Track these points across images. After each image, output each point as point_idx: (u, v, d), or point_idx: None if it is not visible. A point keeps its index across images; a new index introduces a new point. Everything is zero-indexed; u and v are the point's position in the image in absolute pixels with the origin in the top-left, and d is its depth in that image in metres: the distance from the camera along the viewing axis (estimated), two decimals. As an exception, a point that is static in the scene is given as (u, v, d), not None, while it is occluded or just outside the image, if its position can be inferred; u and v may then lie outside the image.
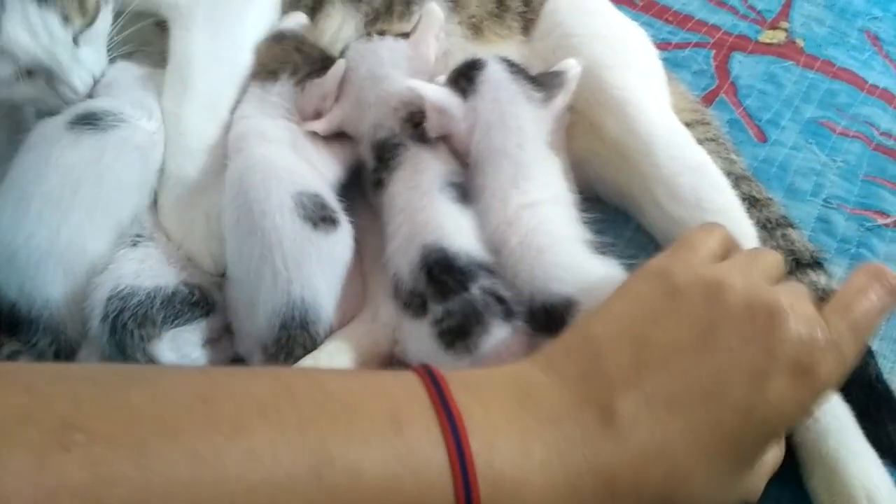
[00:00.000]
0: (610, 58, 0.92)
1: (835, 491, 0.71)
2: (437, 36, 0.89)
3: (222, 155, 0.84)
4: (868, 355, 0.79)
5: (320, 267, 0.77)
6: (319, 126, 0.86)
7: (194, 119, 0.84)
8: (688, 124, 0.96)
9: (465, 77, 0.84)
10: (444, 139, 0.84)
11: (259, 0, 0.91)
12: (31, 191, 0.78)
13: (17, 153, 0.81)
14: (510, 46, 0.99)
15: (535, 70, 0.90)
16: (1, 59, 0.78)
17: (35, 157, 0.80)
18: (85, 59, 0.83)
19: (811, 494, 0.73)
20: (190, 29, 0.86)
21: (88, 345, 0.78)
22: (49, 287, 0.77)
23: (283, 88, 0.86)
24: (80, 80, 0.83)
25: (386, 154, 0.83)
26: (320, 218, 0.78)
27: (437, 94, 0.82)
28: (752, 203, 0.92)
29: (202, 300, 0.78)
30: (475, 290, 0.74)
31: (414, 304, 0.77)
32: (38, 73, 0.81)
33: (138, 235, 0.81)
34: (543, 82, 0.85)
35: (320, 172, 0.84)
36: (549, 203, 0.81)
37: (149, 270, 0.78)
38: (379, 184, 0.83)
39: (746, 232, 0.85)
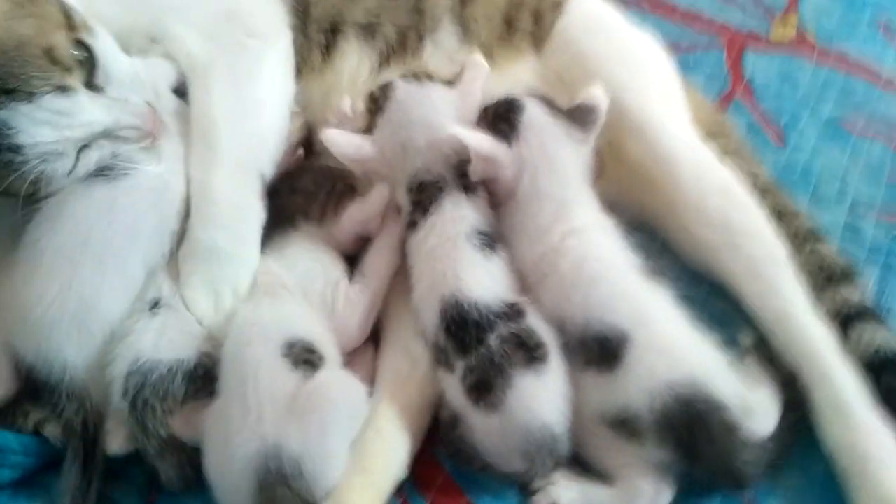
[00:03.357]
0: (628, 79, 0.93)
1: None
2: (482, 87, 0.90)
3: (255, 224, 0.84)
4: None
5: (305, 414, 0.74)
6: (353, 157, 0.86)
7: (224, 186, 0.84)
8: (708, 137, 0.96)
9: (505, 121, 0.85)
10: (484, 183, 0.85)
11: (273, 50, 0.91)
12: (42, 245, 0.79)
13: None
14: (522, 67, 1.00)
15: (553, 90, 0.91)
16: (57, 159, 0.77)
17: (48, 212, 0.80)
18: (120, 95, 0.81)
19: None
20: (210, 88, 0.86)
21: (114, 416, 0.78)
22: (65, 349, 0.78)
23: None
24: (134, 115, 0.81)
25: (424, 198, 0.84)
26: (304, 361, 0.77)
27: (484, 143, 0.83)
28: (780, 216, 0.92)
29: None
30: (493, 342, 0.76)
31: (441, 359, 0.79)
32: (95, 140, 0.80)
33: (156, 302, 0.80)
34: (578, 118, 0.86)
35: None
36: (594, 228, 0.83)
37: (168, 342, 0.78)
38: (412, 225, 0.85)
39: (776, 252, 0.86)
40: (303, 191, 0.89)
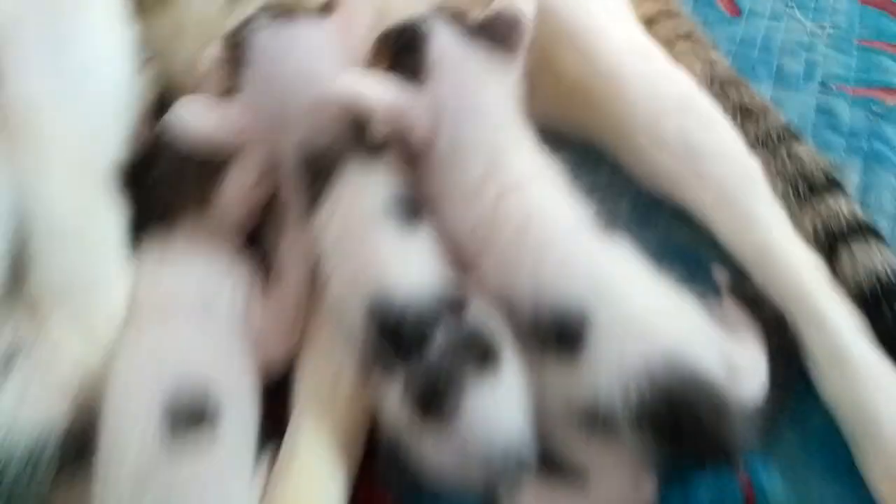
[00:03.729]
0: (552, -31, 0.73)
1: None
2: (367, 9, 0.72)
3: (115, 230, 0.67)
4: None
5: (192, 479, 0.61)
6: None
7: (64, 194, 0.66)
8: (652, 20, 0.82)
9: (408, 56, 0.68)
10: (393, 138, 0.68)
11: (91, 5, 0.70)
12: None
13: None
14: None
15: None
16: None
17: None
18: None
19: (871, 483, 0.66)
20: (22, 61, 0.66)
21: None
22: None
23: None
24: None
25: (320, 171, 0.67)
26: (192, 420, 0.62)
27: (384, 94, 0.66)
28: (746, 114, 0.80)
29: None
30: (436, 345, 0.62)
31: (374, 367, 0.65)
32: None
33: (10, 355, 0.64)
34: (498, 36, 0.69)
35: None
36: (535, 180, 0.68)
37: (34, 403, 0.62)
38: (310, 206, 0.68)
39: (749, 174, 0.73)
40: (165, 178, 0.71)
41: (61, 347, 0.64)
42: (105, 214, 0.68)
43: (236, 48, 0.70)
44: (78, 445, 0.62)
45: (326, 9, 0.71)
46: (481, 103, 0.67)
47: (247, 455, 0.64)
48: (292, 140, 0.68)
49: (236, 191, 0.70)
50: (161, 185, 0.70)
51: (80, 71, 0.69)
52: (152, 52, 0.75)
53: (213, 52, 0.73)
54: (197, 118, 0.68)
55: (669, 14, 0.84)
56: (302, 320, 0.71)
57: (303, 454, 0.65)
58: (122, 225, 0.68)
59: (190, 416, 0.61)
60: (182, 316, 0.67)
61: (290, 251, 0.71)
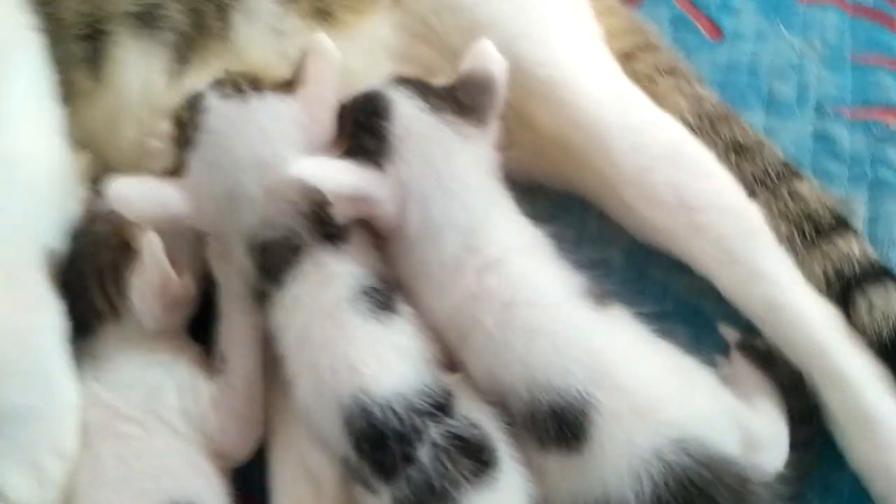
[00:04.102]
0: (518, 21, 0.70)
1: None
2: (333, 85, 0.65)
3: (53, 345, 0.61)
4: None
5: None
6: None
7: None
8: (630, 56, 0.77)
9: (368, 132, 0.62)
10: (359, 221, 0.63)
11: (16, 67, 0.65)
12: None
13: None
14: (376, 20, 0.75)
15: (423, 46, 0.71)
16: None
17: None
18: None
19: None
20: None
21: None
22: None
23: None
24: None
25: (275, 263, 0.62)
26: None
27: (345, 179, 0.61)
28: (741, 153, 0.74)
29: None
30: (425, 457, 0.57)
31: (358, 479, 0.59)
32: None
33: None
34: (468, 101, 0.64)
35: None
36: (516, 255, 0.63)
37: None
38: (263, 298, 0.63)
39: (749, 222, 0.68)
40: (75, 288, 0.65)
41: (8, 492, 0.59)
42: (38, 326, 0.62)
43: (183, 126, 0.64)
44: None
45: (290, 84, 0.65)
46: (452, 178, 0.62)
47: None
48: (240, 228, 0.62)
49: (145, 300, 0.64)
50: (77, 287, 0.65)
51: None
52: (91, 139, 0.70)
53: (161, 130, 0.68)
54: (130, 196, 0.61)
55: (648, 47, 0.79)
56: (258, 415, 0.65)
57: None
58: (62, 331, 0.63)
59: None
60: (135, 431, 0.62)
61: (233, 344, 0.66)
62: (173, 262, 0.63)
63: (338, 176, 0.60)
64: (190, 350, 0.67)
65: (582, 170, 0.70)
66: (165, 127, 0.67)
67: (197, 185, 0.63)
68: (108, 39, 0.69)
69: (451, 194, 0.62)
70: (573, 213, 0.76)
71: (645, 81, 0.75)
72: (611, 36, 0.77)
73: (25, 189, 0.64)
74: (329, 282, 0.60)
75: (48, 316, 0.62)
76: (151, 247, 0.62)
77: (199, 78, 0.69)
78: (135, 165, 0.69)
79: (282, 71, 0.69)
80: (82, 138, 0.69)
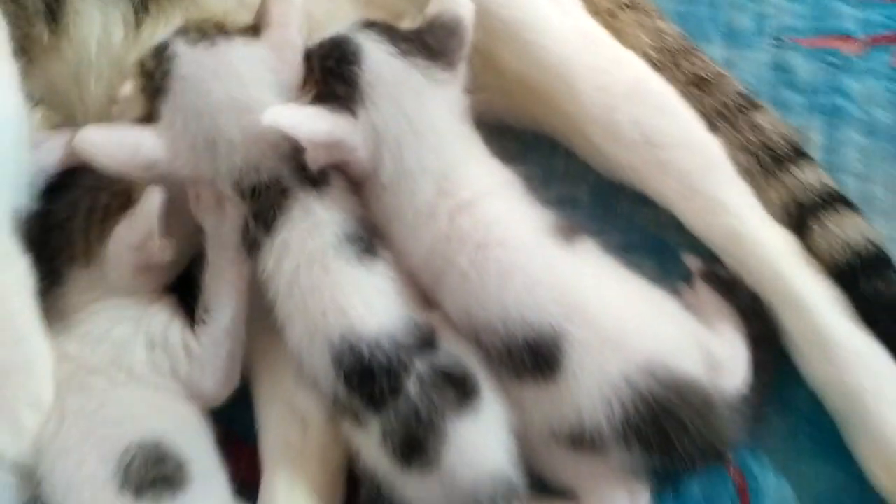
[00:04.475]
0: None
1: (887, 461, 0.64)
2: (298, 27, 0.66)
3: (22, 301, 0.62)
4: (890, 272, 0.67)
5: None
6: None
7: None
8: None
9: (339, 78, 0.63)
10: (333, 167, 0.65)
11: None
12: None
13: None
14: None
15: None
16: None
17: None
18: None
19: (862, 466, 0.65)
20: None
21: None
22: None
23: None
24: None
25: (264, 207, 0.63)
26: (157, 477, 0.60)
27: (317, 126, 0.62)
28: (701, 86, 0.76)
29: None
30: (412, 388, 0.60)
31: (346, 414, 0.63)
32: None
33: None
34: (436, 45, 0.65)
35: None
36: (488, 197, 0.65)
37: None
38: (254, 244, 0.65)
39: (710, 157, 0.71)
40: (59, 223, 0.66)
41: None
42: (13, 284, 0.63)
43: (150, 75, 0.65)
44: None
45: (254, 28, 0.66)
46: (423, 123, 0.64)
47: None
48: (221, 172, 0.64)
49: (121, 249, 0.65)
50: (54, 230, 0.66)
51: None
52: (52, 92, 0.70)
53: (128, 86, 0.68)
54: (99, 145, 0.62)
55: (610, -19, 0.80)
56: (237, 366, 0.67)
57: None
58: (31, 287, 0.64)
59: (151, 477, 0.59)
60: (101, 382, 0.64)
61: (217, 296, 0.67)
62: (166, 226, 0.63)
63: (310, 122, 0.61)
64: (163, 300, 0.68)
65: (548, 110, 0.72)
66: (126, 87, 0.67)
67: (171, 131, 0.63)
68: None
69: (422, 139, 0.64)
70: (540, 152, 0.78)
71: (606, 16, 0.76)
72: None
73: None
74: (316, 228, 0.63)
75: (17, 274, 0.63)
76: (150, 201, 0.63)
77: (157, 28, 0.70)
78: (99, 118, 0.69)
79: (242, 18, 0.69)
80: (45, 93, 0.69)
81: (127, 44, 0.70)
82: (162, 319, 0.66)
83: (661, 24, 0.79)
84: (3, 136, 0.65)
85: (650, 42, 0.76)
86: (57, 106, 0.70)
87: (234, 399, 0.67)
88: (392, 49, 0.64)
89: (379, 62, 0.64)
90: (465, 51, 0.65)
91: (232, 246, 0.66)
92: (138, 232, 0.63)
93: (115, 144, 0.63)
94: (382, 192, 0.65)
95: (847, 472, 0.66)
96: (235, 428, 0.69)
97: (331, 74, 0.64)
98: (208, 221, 0.66)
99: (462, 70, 0.66)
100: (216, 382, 0.66)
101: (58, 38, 0.70)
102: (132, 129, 0.64)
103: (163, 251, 0.64)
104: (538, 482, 0.64)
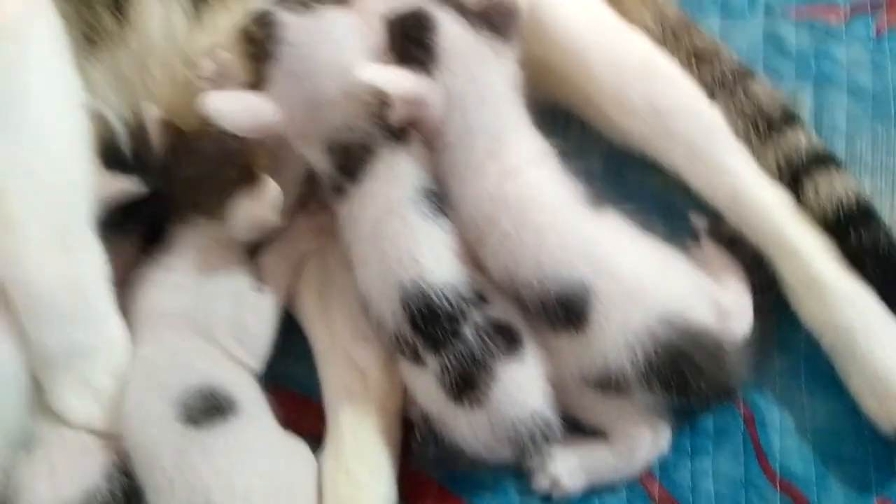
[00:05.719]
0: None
1: (877, 391, 0.73)
2: None
3: (100, 286, 0.71)
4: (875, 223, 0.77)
5: (224, 459, 0.68)
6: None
7: (43, 268, 0.69)
8: None
9: (418, 45, 0.72)
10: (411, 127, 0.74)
11: (32, 44, 0.71)
12: None
13: None
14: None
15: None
16: None
17: None
18: None
19: (856, 397, 0.75)
20: None
21: None
22: None
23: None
24: None
25: (351, 162, 0.72)
26: (214, 410, 0.69)
27: (405, 83, 0.71)
28: (700, 58, 0.85)
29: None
30: (469, 334, 0.70)
31: (405, 352, 0.72)
32: None
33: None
34: (495, 24, 0.74)
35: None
36: (530, 165, 0.74)
37: (61, 476, 0.68)
38: (339, 191, 0.74)
39: (711, 124, 0.80)
40: (186, 179, 0.75)
41: (72, 415, 0.70)
42: (85, 274, 0.72)
43: (262, 40, 0.73)
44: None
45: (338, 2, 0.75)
46: (486, 87, 0.73)
47: (271, 436, 0.72)
48: (324, 130, 0.72)
49: (246, 220, 0.75)
50: (179, 184, 0.76)
51: (33, 133, 0.70)
52: (121, 80, 0.77)
53: (218, 56, 0.76)
54: (226, 108, 0.71)
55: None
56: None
57: (347, 460, 0.72)
58: (105, 270, 0.73)
59: (206, 410, 0.69)
60: (171, 334, 0.74)
61: (272, 274, 0.78)
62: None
63: (399, 80, 0.70)
64: (247, 263, 0.78)
65: (564, 86, 0.81)
66: (223, 55, 0.75)
67: (283, 95, 0.72)
68: None
69: (484, 102, 0.73)
70: (556, 125, 0.85)
71: (612, -3, 0.85)
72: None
73: (55, 156, 0.72)
74: (397, 181, 0.72)
75: (96, 264, 0.72)
76: (275, 192, 0.73)
77: (216, 17, 0.78)
78: (162, 102, 0.77)
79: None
80: (110, 78, 0.77)
81: (189, 31, 0.78)
82: (245, 279, 0.76)
83: (661, 1, 0.87)
84: (69, 151, 0.72)
85: (652, 18, 0.84)
86: (121, 90, 0.77)
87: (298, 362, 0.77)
88: (463, 21, 0.73)
89: (453, 32, 0.73)
90: (519, 30, 0.74)
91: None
92: (265, 207, 0.73)
93: (238, 108, 0.71)
94: (445, 149, 0.74)
95: (842, 403, 0.75)
96: (299, 388, 0.78)
97: (411, 41, 0.73)
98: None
99: (516, 46, 0.75)
100: (268, 336, 0.77)
101: (122, 28, 0.77)
102: (249, 94, 0.72)
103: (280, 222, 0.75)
104: (572, 423, 0.74)
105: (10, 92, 0.69)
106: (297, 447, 0.73)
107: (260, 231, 0.77)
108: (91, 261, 0.72)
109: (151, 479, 0.68)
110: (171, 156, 0.76)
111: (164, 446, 0.68)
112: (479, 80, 0.73)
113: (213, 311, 0.75)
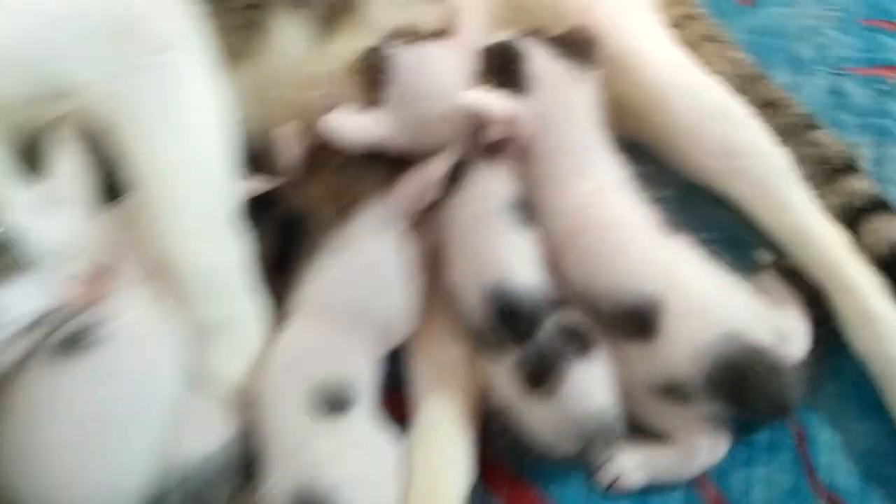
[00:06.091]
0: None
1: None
2: (477, 32, 0.87)
3: (248, 267, 0.82)
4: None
5: (334, 445, 0.77)
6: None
7: (202, 251, 0.80)
8: (677, 25, 0.96)
9: (509, 73, 0.84)
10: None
11: (191, 56, 0.82)
12: (48, 438, 0.72)
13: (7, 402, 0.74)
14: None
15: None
16: None
17: (36, 400, 0.73)
18: (49, 272, 0.74)
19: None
20: (138, 138, 0.78)
21: None
22: None
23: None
24: (65, 291, 0.75)
25: (452, 172, 0.83)
26: (337, 402, 0.78)
27: (501, 106, 0.82)
28: (770, 107, 0.94)
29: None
30: (546, 333, 0.79)
31: (487, 346, 0.82)
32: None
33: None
34: (579, 54, 0.85)
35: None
36: (613, 188, 0.84)
37: (200, 432, 0.77)
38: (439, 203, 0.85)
39: (779, 164, 0.89)
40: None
41: (226, 376, 0.80)
42: (238, 255, 0.82)
43: (376, 69, 0.84)
44: (243, 454, 0.78)
45: (441, 33, 0.86)
46: (572, 110, 0.84)
47: (374, 427, 0.81)
48: (427, 147, 0.83)
49: (413, 188, 0.84)
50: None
51: (190, 132, 0.81)
52: (248, 96, 0.86)
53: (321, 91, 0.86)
54: (346, 126, 0.82)
55: (692, 17, 0.98)
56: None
57: (437, 438, 0.81)
58: (250, 254, 0.83)
59: (330, 402, 0.78)
60: (310, 322, 0.82)
61: None
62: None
63: (496, 103, 0.81)
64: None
65: (643, 122, 0.90)
66: (323, 88, 0.85)
67: (394, 115, 0.83)
68: (265, 12, 0.87)
69: (571, 122, 0.84)
70: (634, 157, 0.92)
71: (692, 47, 0.94)
72: (660, 8, 0.97)
73: (211, 151, 0.82)
74: (490, 191, 0.82)
75: (242, 251, 0.82)
76: (437, 166, 0.83)
77: (337, 45, 0.88)
78: (288, 118, 0.87)
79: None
80: (242, 94, 0.85)
81: (312, 58, 0.88)
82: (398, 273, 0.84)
83: (736, 54, 0.97)
84: (221, 148, 0.82)
85: (728, 69, 0.94)
86: (250, 106, 0.86)
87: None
88: (549, 52, 0.84)
89: (540, 60, 0.84)
90: (601, 59, 0.84)
91: None
92: (421, 185, 0.83)
93: (353, 125, 0.82)
94: (535, 164, 0.84)
95: (886, 426, 0.83)
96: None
97: (503, 69, 0.84)
98: None
99: (597, 74, 0.85)
100: (397, 342, 0.86)
101: (253, 50, 0.87)
102: (363, 114, 0.83)
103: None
104: (638, 426, 0.82)
105: (177, 97, 0.80)
106: (391, 435, 0.81)
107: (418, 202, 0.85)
108: (238, 247, 0.82)
109: (270, 451, 0.77)
110: (310, 163, 0.87)
111: (288, 425, 0.77)
112: (564, 102, 0.84)
113: (367, 305, 0.83)
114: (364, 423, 0.81)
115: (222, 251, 0.81)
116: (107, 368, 0.74)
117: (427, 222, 0.85)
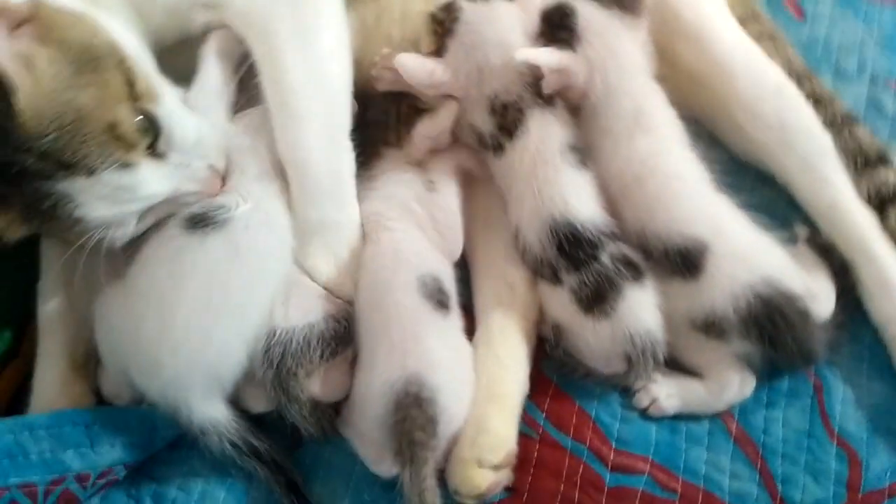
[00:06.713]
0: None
1: None
2: None
3: (351, 181, 0.93)
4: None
5: (440, 344, 0.87)
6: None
7: (319, 158, 0.90)
8: (742, 22, 1.06)
9: (562, 28, 0.94)
10: (559, 92, 0.95)
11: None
12: (171, 299, 0.84)
13: (135, 264, 0.87)
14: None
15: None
16: (118, 228, 0.83)
17: (166, 266, 0.85)
18: (182, 161, 0.86)
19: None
20: (277, 51, 0.90)
21: (252, 381, 0.88)
22: (193, 398, 0.85)
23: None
24: (195, 181, 0.87)
25: (508, 120, 0.93)
26: (437, 301, 0.89)
27: (554, 58, 0.92)
28: (817, 102, 1.04)
29: (347, 330, 0.89)
30: (605, 259, 0.89)
31: (545, 272, 0.91)
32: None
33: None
34: (627, 4, 0.96)
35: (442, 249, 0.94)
36: (673, 143, 0.94)
37: (296, 310, 0.88)
38: (498, 148, 0.94)
39: (824, 145, 1.00)
40: (374, 122, 0.97)
41: (316, 273, 0.90)
42: (345, 169, 0.93)
43: (444, 20, 0.95)
44: (330, 343, 0.88)
45: None
46: (622, 56, 0.94)
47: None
48: (485, 92, 0.93)
49: (422, 138, 0.95)
50: (369, 128, 0.96)
51: (322, 55, 0.92)
52: (364, 32, 0.99)
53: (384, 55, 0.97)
54: (411, 67, 0.93)
55: (755, 16, 1.10)
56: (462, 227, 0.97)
57: (497, 348, 0.91)
58: (353, 172, 0.94)
59: (436, 294, 0.89)
60: (398, 229, 0.93)
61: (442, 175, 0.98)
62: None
63: (549, 56, 0.92)
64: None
65: (706, 96, 1.01)
66: (386, 52, 0.96)
67: (455, 63, 0.94)
68: None
69: (622, 66, 0.94)
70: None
71: (754, 41, 1.06)
72: (730, 5, 1.08)
73: (339, 76, 0.94)
74: (547, 136, 0.92)
75: (350, 161, 0.93)
76: (450, 110, 0.94)
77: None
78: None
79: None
80: (359, 31, 0.98)
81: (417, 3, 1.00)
82: (421, 183, 0.96)
83: (790, 53, 1.08)
84: (342, 73, 0.93)
85: (783, 65, 1.04)
86: (364, 39, 0.98)
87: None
88: (596, 4, 0.95)
89: (588, 13, 0.95)
90: (645, 5, 0.95)
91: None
92: (438, 128, 0.94)
93: (420, 67, 0.93)
94: (593, 112, 0.95)
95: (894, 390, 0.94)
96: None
97: (556, 27, 0.95)
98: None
99: (645, 20, 0.96)
100: (461, 228, 0.96)
101: None
102: (430, 59, 0.94)
103: (446, 140, 0.95)
104: (674, 363, 0.92)
105: (312, 19, 0.91)
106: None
107: (431, 147, 0.96)
108: (348, 157, 0.93)
109: (375, 338, 0.87)
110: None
111: (402, 310, 0.86)
112: (613, 48, 0.94)
113: (412, 209, 0.94)
114: (457, 330, 0.91)
115: (338, 160, 0.92)
116: (234, 245, 0.86)
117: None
